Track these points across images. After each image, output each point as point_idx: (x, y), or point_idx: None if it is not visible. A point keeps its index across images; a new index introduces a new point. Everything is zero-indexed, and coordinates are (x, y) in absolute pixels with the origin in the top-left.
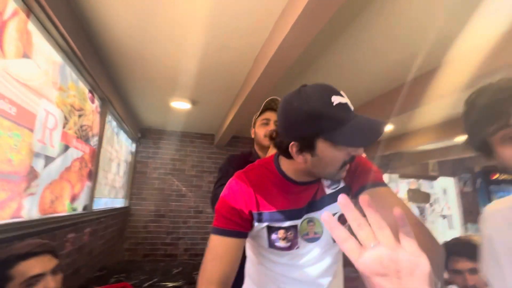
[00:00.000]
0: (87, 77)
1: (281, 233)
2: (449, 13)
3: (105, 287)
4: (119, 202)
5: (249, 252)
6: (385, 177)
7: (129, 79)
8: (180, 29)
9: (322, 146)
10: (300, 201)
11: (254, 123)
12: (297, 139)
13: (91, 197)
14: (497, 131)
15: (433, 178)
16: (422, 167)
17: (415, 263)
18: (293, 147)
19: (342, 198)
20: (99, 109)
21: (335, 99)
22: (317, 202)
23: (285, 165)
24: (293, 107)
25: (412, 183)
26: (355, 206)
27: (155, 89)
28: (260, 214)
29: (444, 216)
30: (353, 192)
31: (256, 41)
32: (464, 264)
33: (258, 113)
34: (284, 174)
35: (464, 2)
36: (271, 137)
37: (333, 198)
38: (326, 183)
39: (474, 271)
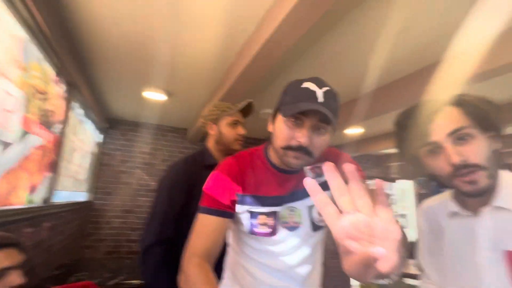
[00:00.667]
0: (54, 58)
1: (261, 218)
2: (437, 15)
3: (65, 286)
4: (81, 196)
5: (230, 241)
6: None
7: (99, 64)
8: (159, 16)
9: (277, 118)
10: (283, 189)
11: (216, 119)
12: (272, 114)
13: (52, 189)
14: (422, 146)
15: (393, 180)
16: (385, 170)
17: (389, 230)
18: (269, 119)
19: (309, 182)
20: (64, 94)
21: (306, 84)
22: (299, 193)
23: (272, 153)
24: (282, 92)
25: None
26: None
27: (127, 77)
28: (243, 196)
29: (402, 215)
30: None
31: (241, 35)
32: None
33: (226, 107)
34: (270, 161)
35: (453, 5)
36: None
37: None
38: (309, 174)
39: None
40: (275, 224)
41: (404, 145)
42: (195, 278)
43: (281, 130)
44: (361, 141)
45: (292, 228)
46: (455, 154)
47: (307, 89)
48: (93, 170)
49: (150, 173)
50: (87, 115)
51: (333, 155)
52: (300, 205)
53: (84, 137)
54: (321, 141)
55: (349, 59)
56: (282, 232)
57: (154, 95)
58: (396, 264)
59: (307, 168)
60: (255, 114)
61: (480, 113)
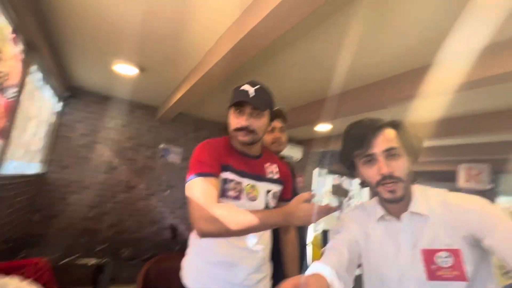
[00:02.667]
0: (11, 12)
1: (232, 184)
2: (412, 24)
3: (15, 262)
4: (34, 168)
5: None
6: (316, 172)
7: (65, 25)
8: None
9: (229, 113)
10: (247, 167)
11: None
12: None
13: (1, 158)
14: (359, 155)
15: (353, 176)
16: None
17: None
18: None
19: None
20: (22, 56)
21: (243, 87)
22: (260, 176)
23: (234, 141)
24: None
25: (336, 179)
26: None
27: (96, 44)
28: (225, 165)
29: None
30: (282, 196)
31: (225, 20)
32: None
33: None
34: (235, 147)
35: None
36: None
37: (271, 180)
38: (267, 169)
39: None
40: (241, 191)
41: (347, 151)
42: (219, 210)
43: (231, 119)
44: (329, 137)
45: (252, 199)
46: (385, 166)
47: (243, 89)
48: (48, 141)
49: (113, 149)
50: (46, 80)
51: (280, 160)
52: (259, 186)
53: (41, 104)
54: (259, 122)
55: (321, 62)
56: (245, 199)
57: (126, 68)
58: None
59: (266, 165)
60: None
61: (407, 140)
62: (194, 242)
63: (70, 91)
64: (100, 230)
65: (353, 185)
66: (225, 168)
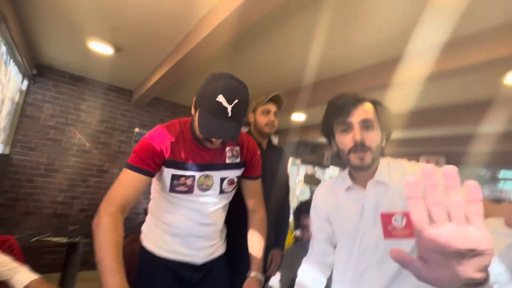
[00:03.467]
0: None
1: (182, 179)
2: (385, 16)
3: None
4: None
5: (154, 194)
6: (290, 161)
7: None
8: None
9: (198, 113)
10: (202, 159)
11: (255, 109)
12: (195, 99)
13: None
14: (338, 123)
15: (326, 167)
16: (320, 157)
17: (483, 239)
18: (193, 103)
19: (410, 182)
20: None
21: (221, 99)
22: (217, 165)
23: (196, 129)
24: (207, 80)
25: (309, 169)
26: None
27: (68, 19)
28: (169, 161)
29: None
30: (245, 174)
31: (204, 4)
32: (307, 221)
33: (260, 100)
34: (194, 135)
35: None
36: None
37: (229, 166)
38: (228, 154)
39: None
40: (193, 185)
41: (327, 119)
42: (106, 226)
43: (197, 126)
44: (302, 128)
45: (205, 189)
46: (359, 134)
47: (220, 104)
48: (13, 120)
49: (84, 132)
50: (11, 55)
51: (245, 140)
52: (214, 174)
53: (6, 80)
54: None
55: (295, 52)
56: (197, 191)
57: (100, 47)
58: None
59: (227, 149)
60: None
61: (383, 117)
62: (152, 211)
63: (38, 69)
64: (70, 214)
65: (325, 174)
66: (173, 165)
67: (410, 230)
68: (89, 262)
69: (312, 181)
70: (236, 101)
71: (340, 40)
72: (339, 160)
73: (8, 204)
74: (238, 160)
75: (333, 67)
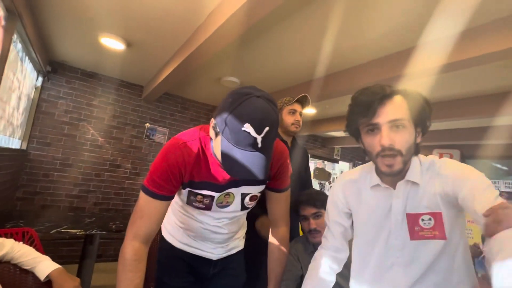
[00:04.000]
0: None
1: (199, 197)
2: (396, 9)
3: (2, 230)
4: (14, 143)
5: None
6: None
7: None
8: None
9: (219, 140)
10: (223, 177)
11: (281, 109)
12: (215, 124)
13: None
14: (364, 124)
15: (336, 161)
16: (330, 151)
17: None
18: (212, 125)
19: None
20: (3, 22)
21: (249, 129)
22: (237, 182)
23: (216, 146)
24: (229, 101)
25: (319, 163)
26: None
27: (80, 16)
28: (188, 182)
29: None
30: (270, 185)
31: None
32: (309, 210)
33: (287, 100)
34: (215, 154)
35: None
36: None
37: (252, 182)
38: None
39: (317, 215)
40: (211, 204)
41: (352, 118)
42: (128, 264)
43: (220, 155)
44: (312, 121)
45: (224, 206)
46: (387, 137)
47: (248, 134)
48: (29, 117)
49: (97, 127)
50: (27, 52)
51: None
52: (235, 191)
53: (22, 77)
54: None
55: (306, 45)
56: (216, 209)
57: (112, 43)
58: None
59: None
60: (218, 81)
61: (417, 111)
62: (171, 206)
63: (52, 66)
64: (85, 208)
65: (335, 168)
66: (190, 185)
67: (437, 231)
68: (104, 254)
69: (322, 175)
70: (266, 129)
71: (350, 32)
72: (364, 157)
73: (26, 197)
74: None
75: (344, 60)
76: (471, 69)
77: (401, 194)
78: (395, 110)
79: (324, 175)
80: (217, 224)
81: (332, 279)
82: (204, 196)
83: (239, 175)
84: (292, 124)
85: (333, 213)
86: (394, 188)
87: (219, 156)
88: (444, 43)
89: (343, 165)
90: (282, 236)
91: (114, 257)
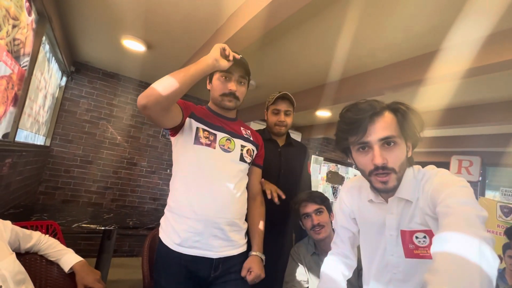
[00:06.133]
0: None
1: (205, 133)
2: (408, 15)
3: (29, 222)
4: (39, 140)
5: (174, 167)
6: (312, 158)
7: None
8: None
9: (213, 77)
10: (224, 125)
11: (267, 108)
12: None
13: (15, 125)
14: (354, 142)
15: (349, 164)
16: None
17: None
18: (208, 77)
19: None
20: (34, 25)
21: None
22: (236, 133)
23: (211, 106)
24: None
25: (333, 167)
26: None
27: (103, 19)
28: (196, 116)
29: None
30: (256, 161)
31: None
32: (311, 207)
33: (270, 99)
34: (211, 110)
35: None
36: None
37: (246, 139)
38: (243, 131)
39: (319, 211)
40: (214, 141)
41: (341, 136)
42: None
43: (216, 84)
44: (327, 124)
45: (226, 150)
46: (379, 156)
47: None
48: (52, 114)
49: (116, 126)
50: (53, 53)
51: (254, 132)
52: (235, 140)
53: (48, 76)
54: (243, 88)
55: (321, 48)
56: (218, 149)
57: (133, 45)
58: None
59: (241, 128)
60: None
61: (407, 125)
62: (171, 190)
63: (75, 66)
64: (103, 204)
65: (349, 173)
66: (197, 120)
67: None
68: (119, 250)
69: (335, 178)
70: (241, 55)
71: (367, 36)
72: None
73: (48, 192)
74: (251, 138)
75: (360, 64)
76: (494, 74)
77: (394, 210)
78: (385, 127)
79: (338, 179)
80: (221, 177)
81: (344, 285)
82: (209, 133)
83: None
84: (275, 124)
85: (341, 219)
86: (387, 203)
87: (217, 91)
88: (466, 48)
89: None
90: (262, 202)
91: (129, 253)
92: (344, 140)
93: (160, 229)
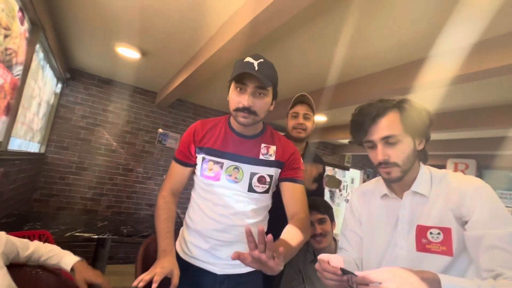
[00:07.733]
0: None
1: (210, 164)
2: (406, 21)
3: (21, 232)
4: (33, 147)
5: (192, 192)
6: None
7: (69, 5)
8: None
9: (230, 89)
10: (234, 148)
11: (287, 114)
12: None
13: (8, 134)
14: (364, 140)
15: (346, 168)
16: (340, 158)
17: None
18: (228, 84)
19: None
20: (27, 34)
21: (246, 59)
22: (248, 158)
23: (232, 120)
24: None
25: (330, 170)
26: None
27: (98, 26)
28: (200, 148)
29: (347, 200)
30: (280, 175)
31: (230, 7)
32: (314, 216)
33: (290, 106)
34: (231, 126)
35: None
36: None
37: (261, 162)
38: (262, 151)
39: (322, 221)
40: (220, 172)
41: (353, 137)
42: (158, 206)
43: (231, 97)
44: (323, 128)
45: (233, 181)
46: (381, 153)
47: (247, 62)
48: (47, 121)
49: (112, 132)
50: (48, 60)
51: (283, 141)
52: (244, 168)
53: (43, 84)
54: (262, 102)
55: (317, 54)
56: (224, 180)
57: (127, 52)
58: None
59: (262, 145)
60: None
61: (413, 123)
62: (187, 219)
63: (70, 73)
64: (98, 210)
65: (346, 176)
66: (204, 150)
67: (445, 246)
68: (115, 257)
69: (332, 182)
70: (261, 59)
71: (362, 42)
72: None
73: (43, 199)
74: (272, 158)
75: (355, 69)
76: (487, 80)
77: (408, 205)
78: (387, 127)
79: (335, 183)
80: (226, 207)
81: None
82: (214, 162)
83: (242, 70)
84: (294, 128)
85: (351, 222)
86: (401, 198)
87: (231, 105)
88: (458, 54)
89: (354, 173)
90: (304, 218)
91: (125, 260)
92: (357, 139)
93: (177, 242)
